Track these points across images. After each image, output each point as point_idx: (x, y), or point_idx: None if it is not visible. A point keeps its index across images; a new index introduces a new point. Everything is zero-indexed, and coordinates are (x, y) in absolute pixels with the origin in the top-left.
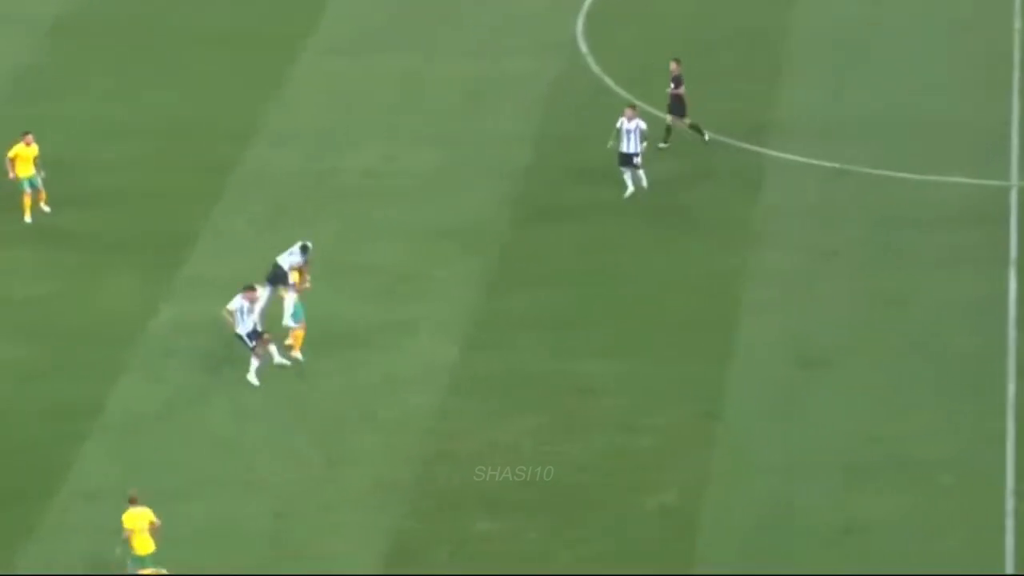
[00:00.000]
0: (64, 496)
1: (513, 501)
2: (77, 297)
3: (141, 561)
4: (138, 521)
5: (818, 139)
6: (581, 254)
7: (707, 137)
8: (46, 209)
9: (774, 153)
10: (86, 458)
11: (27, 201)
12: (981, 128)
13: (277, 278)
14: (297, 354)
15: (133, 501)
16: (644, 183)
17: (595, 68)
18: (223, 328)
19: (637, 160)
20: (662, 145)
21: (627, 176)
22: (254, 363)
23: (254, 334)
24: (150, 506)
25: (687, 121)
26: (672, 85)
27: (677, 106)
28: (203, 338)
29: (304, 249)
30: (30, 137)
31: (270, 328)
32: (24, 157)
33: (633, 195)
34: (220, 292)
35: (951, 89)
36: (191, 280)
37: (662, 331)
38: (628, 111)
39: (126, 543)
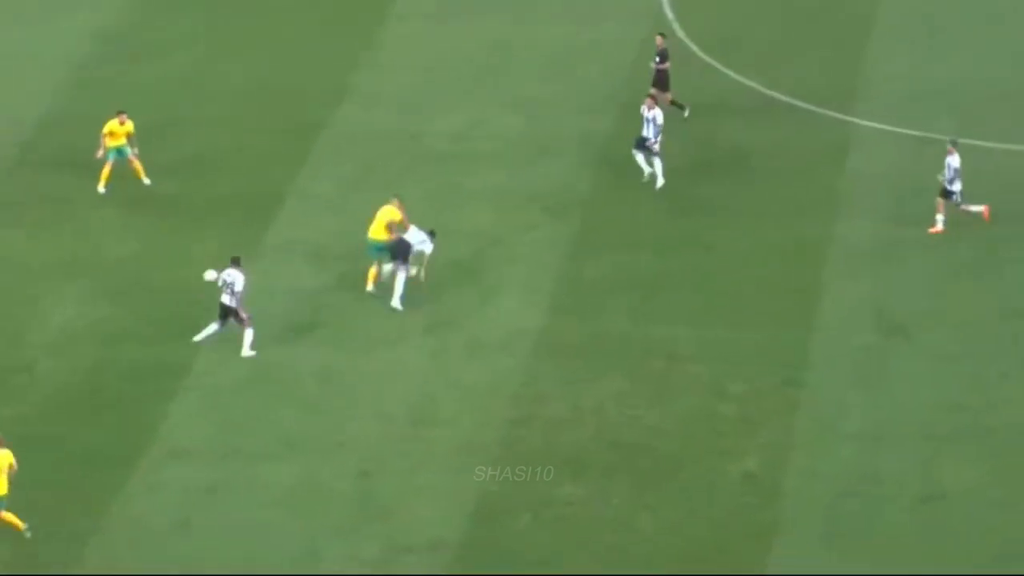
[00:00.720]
0: (152, 456)
1: (596, 465)
2: (165, 258)
3: None
4: None
5: (904, 108)
6: (665, 220)
7: (687, 113)
8: (146, 181)
9: (860, 121)
10: (174, 418)
11: (107, 171)
12: None
13: (402, 251)
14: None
15: None
16: (659, 176)
17: (681, 34)
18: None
19: (654, 147)
20: (686, 115)
21: (641, 159)
22: (249, 335)
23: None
24: (240, 466)
25: (668, 96)
26: (657, 59)
27: (661, 80)
28: (290, 299)
29: (432, 234)
30: (124, 116)
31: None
32: (116, 134)
33: (651, 179)
34: (307, 254)
35: None
36: (278, 242)
37: (746, 297)
38: (648, 100)
39: None
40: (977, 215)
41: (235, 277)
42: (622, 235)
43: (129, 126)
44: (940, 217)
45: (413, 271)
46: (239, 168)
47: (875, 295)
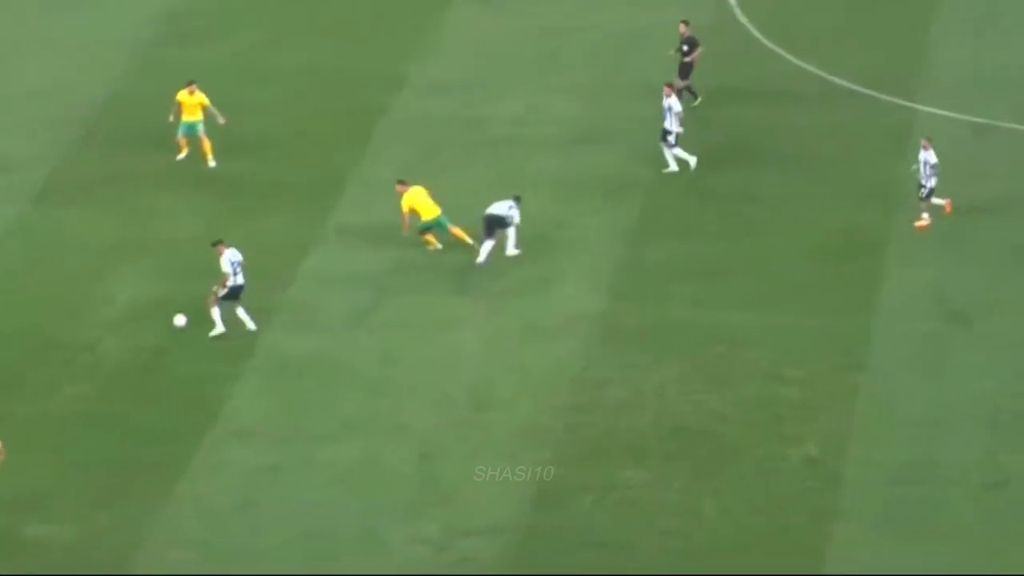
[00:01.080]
0: (215, 435)
1: (657, 450)
2: (226, 239)
3: None
4: None
5: (965, 94)
6: (725, 206)
7: (697, 102)
8: (211, 164)
9: (921, 107)
10: (236, 399)
11: (181, 143)
12: None
13: (498, 224)
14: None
15: None
16: (689, 160)
17: (742, 19)
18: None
19: (669, 137)
20: (695, 103)
21: (667, 152)
22: (216, 316)
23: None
24: (302, 447)
25: (681, 83)
26: (685, 48)
27: (684, 69)
28: (351, 283)
29: (518, 200)
30: (193, 86)
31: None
32: (188, 106)
33: (672, 173)
34: (368, 239)
35: None
36: (339, 226)
37: (806, 284)
38: (666, 88)
39: None
40: (920, 221)
41: (235, 252)
42: (682, 220)
43: (200, 97)
44: (940, 201)
45: (491, 244)
46: (300, 152)
47: (936, 282)
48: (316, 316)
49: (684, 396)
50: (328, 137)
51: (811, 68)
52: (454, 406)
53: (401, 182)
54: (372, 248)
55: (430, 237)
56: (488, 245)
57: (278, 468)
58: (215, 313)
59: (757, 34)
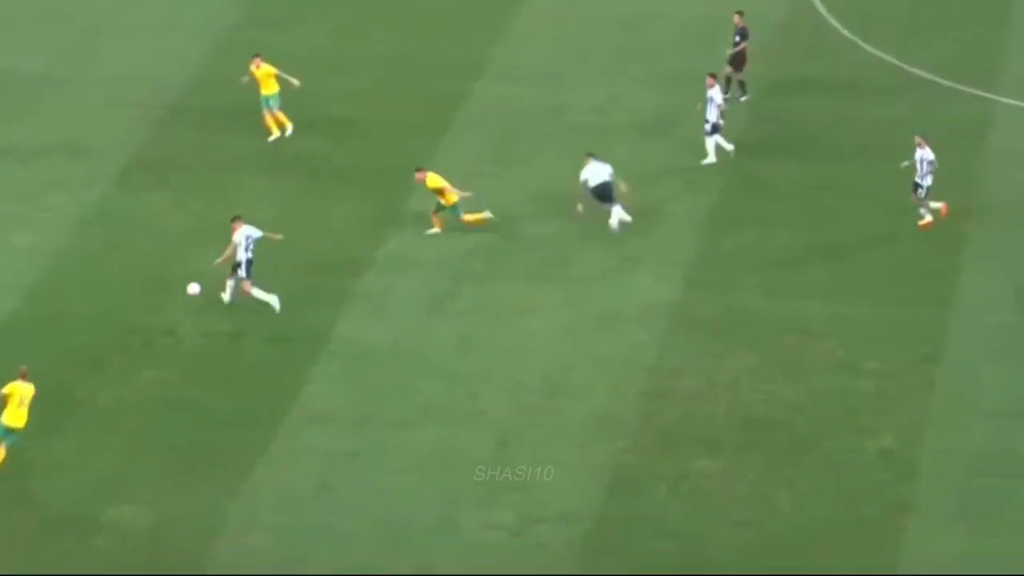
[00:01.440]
0: (292, 421)
1: (730, 440)
2: (304, 224)
3: (7, 432)
4: (20, 392)
5: None
6: (800, 195)
7: (744, 98)
8: (288, 132)
9: (1001, 99)
10: (313, 384)
11: (268, 121)
12: None
13: (607, 192)
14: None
15: (24, 375)
16: (711, 153)
17: (821, 9)
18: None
19: (707, 127)
20: (743, 99)
21: (721, 140)
22: (260, 295)
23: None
24: (379, 433)
25: (740, 76)
26: (737, 38)
27: (737, 60)
28: (428, 269)
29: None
30: (258, 59)
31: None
32: (259, 80)
33: (712, 164)
34: (445, 224)
35: None
36: (417, 212)
37: (882, 274)
38: (709, 79)
39: None
40: (935, 211)
41: (252, 229)
42: (757, 210)
43: (267, 68)
44: (936, 204)
45: (580, 208)
46: (378, 138)
47: (1012, 273)
48: (392, 302)
49: (758, 386)
50: (407, 123)
51: (889, 58)
52: (529, 393)
53: (419, 169)
54: (449, 234)
55: (477, 216)
56: (617, 209)
57: (355, 454)
58: (257, 294)
59: (835, 23)
